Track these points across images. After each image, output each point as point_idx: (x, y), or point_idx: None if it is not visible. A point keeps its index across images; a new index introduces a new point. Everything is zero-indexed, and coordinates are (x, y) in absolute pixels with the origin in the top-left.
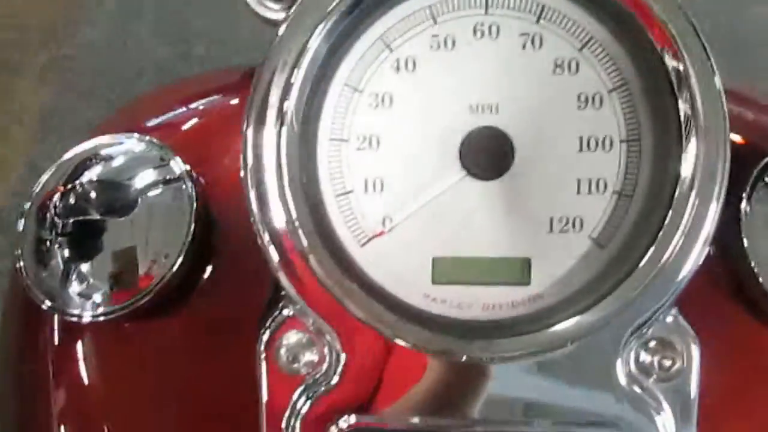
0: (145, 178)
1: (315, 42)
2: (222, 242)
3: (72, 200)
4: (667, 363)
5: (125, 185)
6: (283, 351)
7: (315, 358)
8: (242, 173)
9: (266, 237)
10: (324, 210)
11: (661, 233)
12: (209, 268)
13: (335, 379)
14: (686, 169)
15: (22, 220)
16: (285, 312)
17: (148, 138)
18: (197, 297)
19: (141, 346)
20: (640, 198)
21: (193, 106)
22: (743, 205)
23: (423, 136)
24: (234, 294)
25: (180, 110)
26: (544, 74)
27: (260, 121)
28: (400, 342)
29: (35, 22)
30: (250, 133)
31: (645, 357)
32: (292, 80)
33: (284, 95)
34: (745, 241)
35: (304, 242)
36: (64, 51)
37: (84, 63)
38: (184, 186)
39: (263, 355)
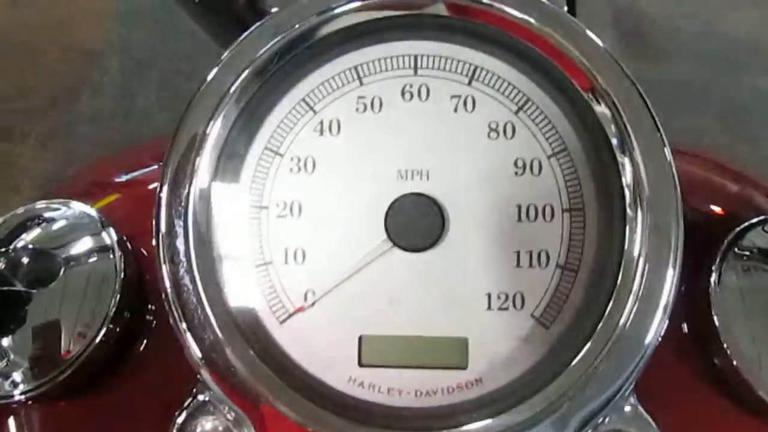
0: (78, 246)
1: (229, 100)
2: (156, 319)
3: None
4: None
5: (56, 253)
6: None
7: None
8: (154, 241)
9: (178, 318)
10: (240, 283)
11: (607, 311)
12: (143, 344)
13: None
14: (633, 237)
15: None
16: (201, 397)
17: (83, 206)
18: (128, 373)
19: (69, 426)
20: (585, 272)
21: (136, 174)
22: (713, 278)
23: (348, 204)
24: (166, 372)
25: (123, 178)
26: (478, 138)
27: (174, 184)
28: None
29: (41, 90)
30: (163, 195)
31: None
32: (206, 142)
33: (197, 156)
34: (715, 318)
35: (214, 323)
36: (68, 118)
37: (86, 131)
38: (112, 257)
39: None
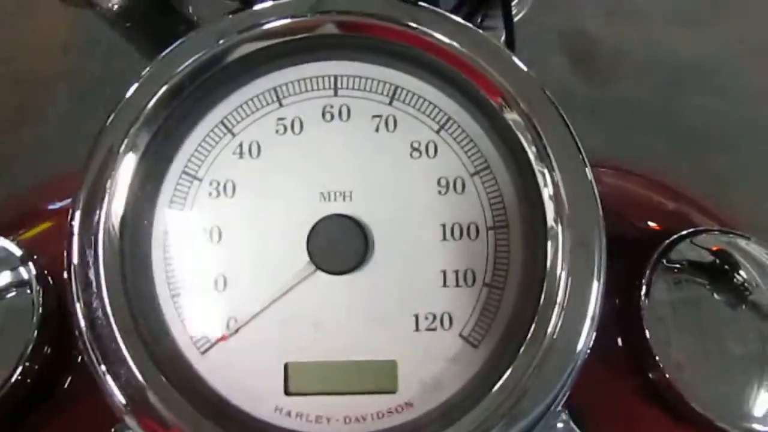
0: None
1: (142, 122)
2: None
3: None
4: None
5: None
6: None
7: None
8: (65, 275)
9: (92, 352)
10: (159, 315)
11: (533, 326)
12: (67, 381)
13: None
14: (556, 252)
15: None
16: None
17: (2, 240)
18: (51, 410)
19: None
20: (512, 289)
21: (58, 205)
22: (643, 291)
23: (269, 227)
24: (93, 409)
25: (53, 207)
26: (400, 158)
27: (87, 211)
28: None
29: None
30: (75, 223)
31: None
32: (119, 164)
33: (108, 179)
34: (647, 331)
35: (131, 361)
36: (11, 148)
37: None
38: (29, 292)
39: None
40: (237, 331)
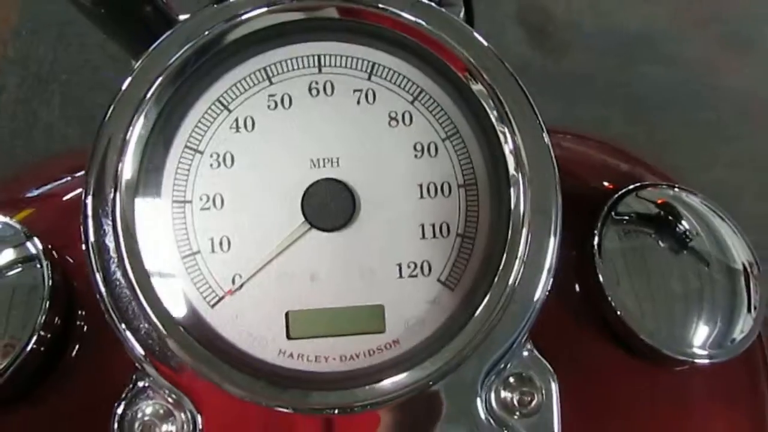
0: (2, 258)
1: (147, 105)
2: (86, 323)
3: None
4: (527, 398)
5: None
6: (137, 425)
7: (173, 429)
8: (83, 246)
9: (113, 313)
10: (172, 273)
11: (500, 269)
12: (75, 349)
13: None
14: (517, 207)
15: None
16: (140, 384)
17: (4, 219)
18: (60, 379)
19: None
20: (482, 238)
21: (54, 184)
22: (595, 241)
23: (266, 193)
24: (98, 375)
25: (41, 189)
26: (380, 127)
27: (97, 188)
28: (253, 401)
29: None
30: (89, 201)
31: (506, 394)
32: (127, 146)
33: (119, 160)
34: (600, 276)
35: (152, 316)
36: None
37: None
38: (38, 266)
39: (115, 428)
40: (241, 286)
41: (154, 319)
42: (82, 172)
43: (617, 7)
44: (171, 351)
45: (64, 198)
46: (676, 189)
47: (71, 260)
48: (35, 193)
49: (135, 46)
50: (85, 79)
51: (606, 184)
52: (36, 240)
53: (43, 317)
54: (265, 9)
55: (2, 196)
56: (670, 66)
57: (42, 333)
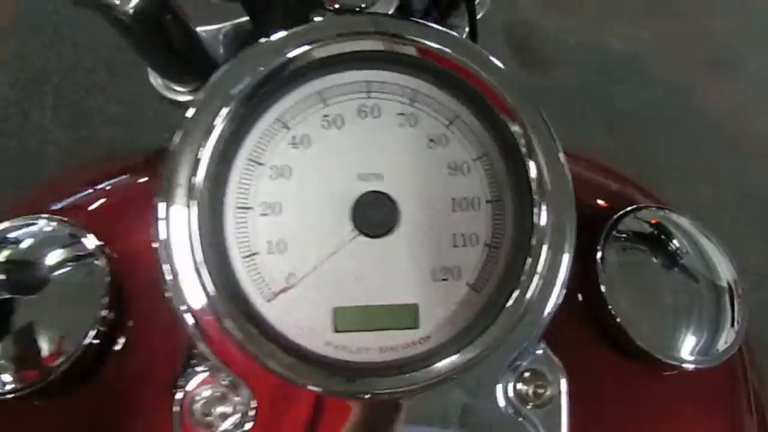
0: (55, 256)
1: (220, 123)
2: (132, 316)
3: None
4: (540, 391)
5: (35, 264)
6: (197, 406)
7: (228, 409)
8: (156, 245)
9: (180, 303)
10: (232, 271)
11: (523, 278)
12: (121, 341)
13: (249, 426)
14: (539, 225)
15: None
16: (198, 369)
17: (58, 218)
18: (109, 370)
19: (52, 423)
20: (506, 249)
21: (99, 186)
22: (598, 256)
23: (319, 202)
24: (144, 364)
25: (86, 191)
26: (420, 147)
27: (171, 196)
28: (302, 384)
29: None
30: (162, 207)
31: (521, 387)
32: (200, 157)
33: (193, 171)
34: (602, 287)
35: (216, 303)
36: None
37: None
38: (96, 262)
39: (178, 412)
40: (295, 284)
41: (220, 306)
42: (125, 176)
43: (602, 28)
44: (231, 337)
45: (104, 198)
46: (667, 210)
47: (114, 256)
48: (78, 195)
49: (166, 65)
50: (81, 81)
51: (602, 203)
52: (92, 237)
53: (102, 312)
54: (323, 42)
55: (47, 198)
56: (650, 86)
57: (100, 328)
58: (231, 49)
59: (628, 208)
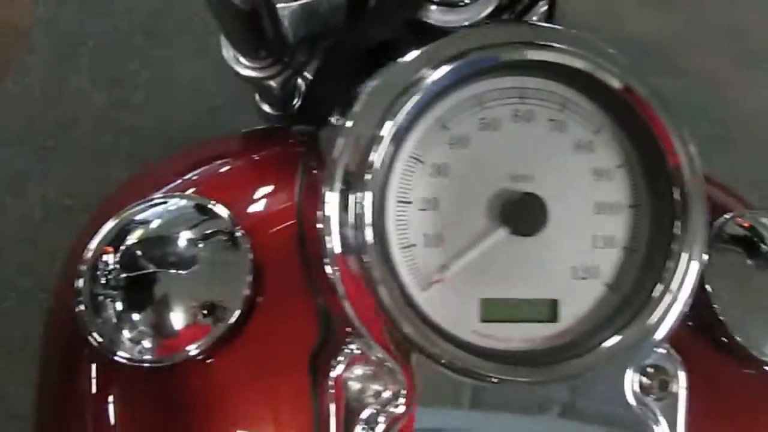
0: (195, 233)
1: (389, 124)
2: (266, 291)
3: (120, 258)
4: (662, 384)
5: (175, 240)
6: (351, 384)
7: (380, 387)
8: (322, 226)
9: (343, 288)
10: (392, 260)
11: (658, 280)
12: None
13: (401, 407)
14: (677, 229)
15: (80, 280)
16: (350, 347)
17: (195, 194)
18: (243, 343)
19: (179, 395)
20: (642, 251)
21: (222, 163)
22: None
23: (474, 200)
24: (274, 343)
25: (212, 167)
26: (568, 152)
27: (342, 187)
28: (459, 367)
29: None
30: (332, 195)
31: (645, 380)
32: (372, 155)
33: (365, 163)
34: (708, 287)
35: (379, 287)
36: None
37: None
38: (239, 239)
39: (331, 390)
40: (448, 275)
41: (381, 291)
42: (254, 156)
43: (628, 14)
44: (391, 321)
45: (232, 175)
46: (761, 214)
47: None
48: (196, 172)
49: (244, 37)
50: (115, 47)
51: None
52: (232, 215)
53: (246, 291)
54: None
55: (175, 178)
56: (683, 77)
57: (244, 308)
58: (299, 28)
59: (728, 215)
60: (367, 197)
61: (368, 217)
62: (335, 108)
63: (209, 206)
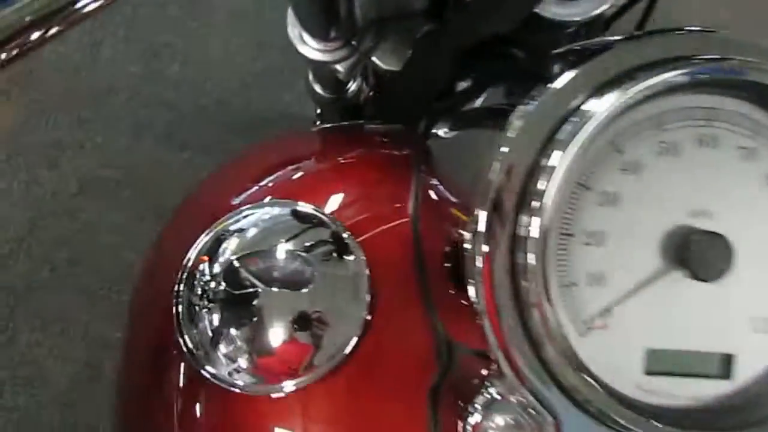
0: (298, 244)
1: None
2: (377, 311)
3: (217, 269)
4: None
5: (281, 254)
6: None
7: None
8: (471, 247)
9: (492, 324)
10: (549, 298)
11: None
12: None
13: None
14: None
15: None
16: (491, 391)
17: (307, 206)
18: (349, 372)
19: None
20: None
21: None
22: None
23: (646, 236)
24: (390, 370)
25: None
26: (758, 186)
27: (500, 211)
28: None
29: None
30: (485, 216)
31: None
32: (533, 180)
33: (524, 192)
34: None
35: (542, 333)
36: (30, 66)
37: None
38: (353, 251)
39: None
40: (611, 320)
41: (538, 332)
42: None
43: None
44: (547, 367)
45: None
46: None
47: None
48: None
49: (316, 16)
50: (151, 16)
51: None
52: (348, 232)
53: (365, 314)
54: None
55: (263, 179)
56: None
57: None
58: (370, 11)
59: None
60: (534, 223)
61: (542, 249)
62: (426, 109)
63: (317, 214)
